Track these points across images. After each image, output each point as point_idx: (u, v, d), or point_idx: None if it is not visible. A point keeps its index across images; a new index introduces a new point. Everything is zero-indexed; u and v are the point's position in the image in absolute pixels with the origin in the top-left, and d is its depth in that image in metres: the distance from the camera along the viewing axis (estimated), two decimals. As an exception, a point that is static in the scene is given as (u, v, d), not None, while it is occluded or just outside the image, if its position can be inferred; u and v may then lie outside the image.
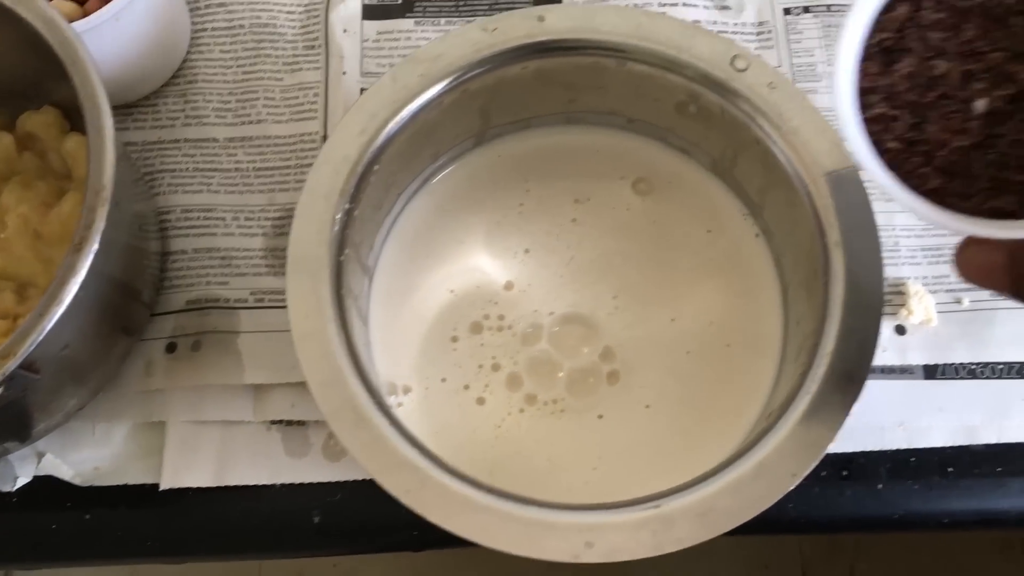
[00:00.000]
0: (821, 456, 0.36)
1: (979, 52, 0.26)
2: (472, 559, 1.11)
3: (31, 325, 0.37)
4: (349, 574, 1.13)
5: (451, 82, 0.42)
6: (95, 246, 0.37)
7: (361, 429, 0.37)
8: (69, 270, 0.37)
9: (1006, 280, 0.26)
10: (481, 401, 0.44)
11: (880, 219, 0.47)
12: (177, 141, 0.51)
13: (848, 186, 0.40)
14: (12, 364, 0.36)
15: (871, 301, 0.38)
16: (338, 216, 0.40)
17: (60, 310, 0.37)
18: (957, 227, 0.27)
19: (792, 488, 0.36)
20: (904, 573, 1.11)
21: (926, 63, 0.27)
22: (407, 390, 0.44)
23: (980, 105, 0.26)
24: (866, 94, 0.28)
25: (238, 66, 0.52)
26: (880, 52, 0.27)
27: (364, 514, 0.45)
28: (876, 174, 0.27)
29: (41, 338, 0.37)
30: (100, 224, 0.38)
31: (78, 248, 0.37)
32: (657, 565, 1.11)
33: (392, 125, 0.41)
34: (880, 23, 0.27)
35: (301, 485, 0.45)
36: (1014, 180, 0.26)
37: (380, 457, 0.37)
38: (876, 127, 0.27)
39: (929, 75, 0.27)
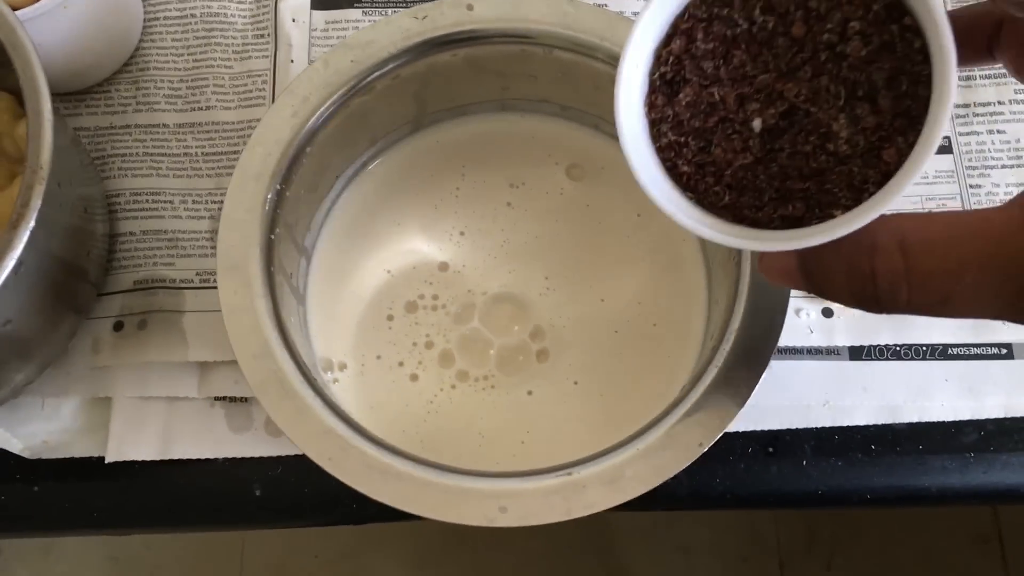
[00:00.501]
0: (726, 427, 0.38)
1: (749, 76, 0.28)
2: (456, 557, 1.12)
3: (-31, 300, 0.38)
4: (330, 564, 1.14)
5: (382, 68, 0.43)
6: (31, 224, 0.39)
7: (287, 400, 0.38)
8: (5, 246, 0.39)
9: (800, 278, 0.28)
10: (415, 377, 0.46)
11: (810, 204, 0.49)
12: (128, 127, 0.52)
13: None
14: (-50, 337, 0.38)
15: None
16: (269, 196, 0.41)
17: (-4, 285, 0.38)
18: (739, 243, 0.28)
19: (697, 457, 0.38)
20: (881, 566, 1.13)
21: (704, 91, 0.28)
22: (343, 367, 0.46)
23: (757, 124, 0.28)
24: (656, 124, 0.29)
25: (189, 54, 0.53)
26: (663, 84, 0.29)
27: (304, 488, 0.46)
28: (665, 199, 0.29)
29: (-22, 312, 0.38)
30: (36, 203, 0.39)
31: (14, 225, 0.39)
32: (637, 557, 1.13)
33: (324, 108, 0.43)
34: (659, 56, 0.29)
35: (243, 459, 0.47)
36: (797, 188, 0.27)
37: (304, 426, 0.38)
38: (669, 154, 0.29)
39: (708, 102, 0.28)
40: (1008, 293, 0.24)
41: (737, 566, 1.14)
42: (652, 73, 0.29)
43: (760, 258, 0.30)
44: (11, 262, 0.39)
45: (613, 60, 0.43)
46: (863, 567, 1.13)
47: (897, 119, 0.26)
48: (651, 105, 0.29)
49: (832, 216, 0.27)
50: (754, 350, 0.39)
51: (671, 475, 0.37)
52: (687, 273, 0.47)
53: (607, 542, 1.13)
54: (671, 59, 0.29)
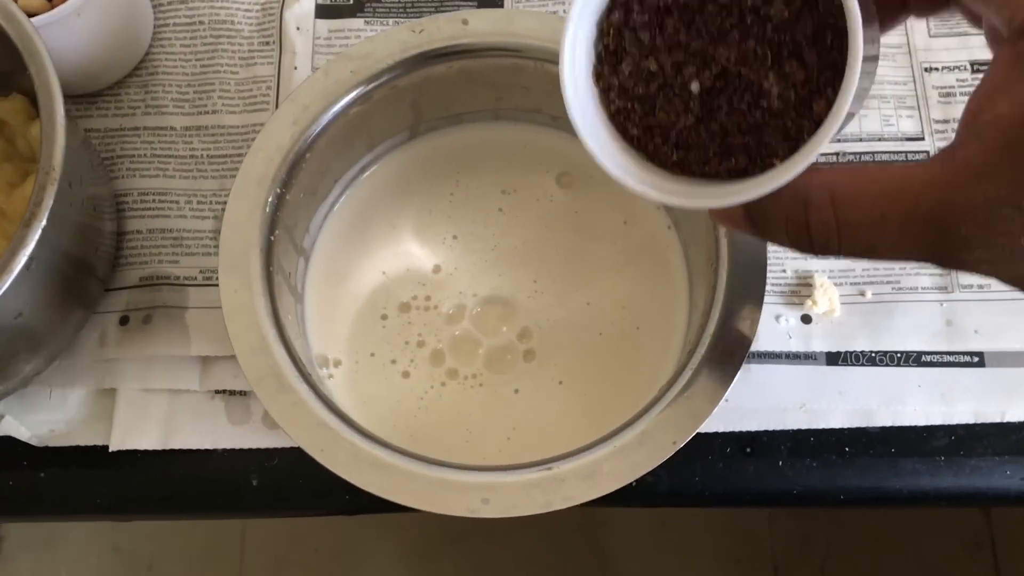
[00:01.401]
0: (699, 427, 0.40)
1: (683, 43, 0.30)
2: (454, 552, 1.14)
3: (-19, 292, 0.40)
4: (330, 558, 1.16)
5: (380, 78, 0.45)
6: (43, 222, 0.41)
7: (283, 394, 0.40)
8: (19, 242, 0.41)
9: (746, 224, 0.30)
10: (406, 375, 0.47)
11: (791, 214, 0.50)
12: (137, 129, 0.54)
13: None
14: (-36, 327, 0.40)
15: (754, 288, 0.42)
16: (270, 199, 0.43)
17: (9, 279, 0.40)
18: (682, 203, 0.31)
19: (671, 455, 0.39)
20: (874, 571, 1.14)
21: (643, 61, 0.31)
22: (337, 363, 0.48)
23: (695, 87, 0.30)
24: (606, 92, 0.32)
25: (196, 59, 0.56)
26: (608, 55, 0.31)
27: (299, 479, 0.48)
28: (613, 164, 0.31)
29: (-8, 305, 0.40)
30: (48, 202, 0.41)
31: (27, 223, 0.41)
32: (633, 557, 1.14)
33: (324, 116, 0.45)
34: (602, 28, 0.32)
35: (241, 450, 0.48)
36: (737, 143, 0.30)
37: (298, 419, 0.40)
38: (620, 119, 0.32)
39: (648, 70, 0.31)
40: (925, 244, 0.27)
41: (731, 568, 1.16)
42: (596, 45, 0.32)
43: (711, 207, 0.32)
44: (23, 258, 0.41)
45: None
46: (856, 571, 1.14)
47: (824, 72, 0.28)
48: (599, 75, 0.32)
49: (772, 166, 0.29)
50: (729, 353, 0.41)
51: (645, 471, 0.39)
52: (670, 278, 0.48)
53: (603, 542, 1.14)
54: (611, 31, 0.31)
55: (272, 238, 0.43)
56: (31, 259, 0.41)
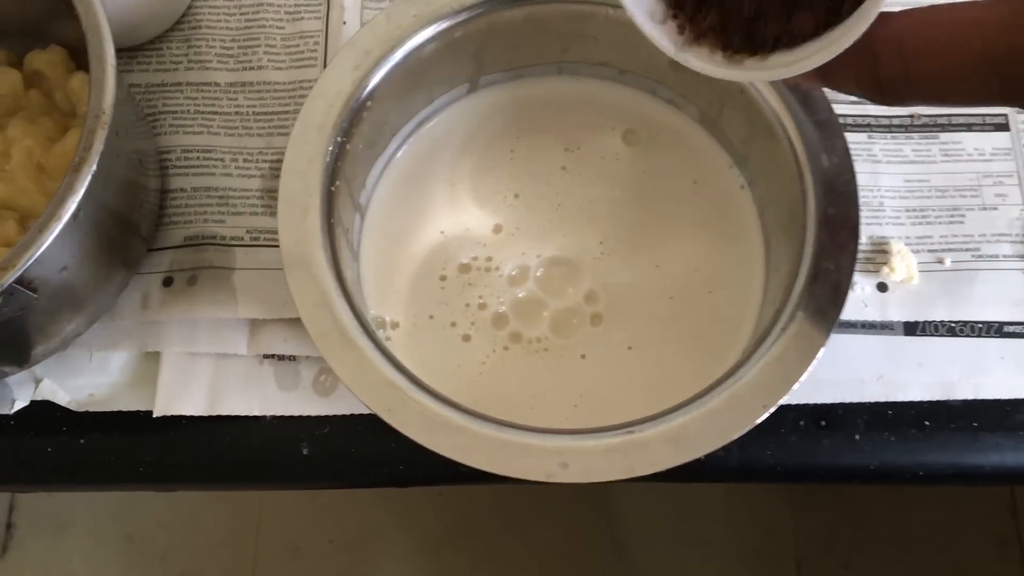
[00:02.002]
0: (790, 390, 0.37)
1: None
2: (470, 545, 1.12)
3: (30, 240, 0.38)
4: (345, 549, 1.14)
5: (444, 24, 0.43)
6: (93, 167, 0.39)
7: (347, 350, 0.38)
8: (67, 189, 0.38)
9: (816, 78, 0.29)
10: (467, 338, 0.45)
11: (865, 179, 0.48)
12: (179, 84, 0.52)
13: (828, 134, 0.41)
14: (10, 277, 0.37)
15: (846, 243, 0.39)
16: (330, 148, 0.41)
17: (58, 227, 0.38)
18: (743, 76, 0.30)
19: (762, 419, 0.37)
20: (898, 568, 1.12)
21: None
22: (395, 325, 0.45)
23: None
24: None
25: (241, 13, 0.53)
26: None
27: (351, 448, 0.46)
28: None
29: (40, 252, 0.38)
30: (99, 146, 0.39)
31: (76, 168, 0.39)
32: (652, 549, 1.12)
33: (386, 63, 0.42)
34: None
35: (291, 417, 0.46)
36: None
37: (365, 377, 0.38)
38: None
39: None
40: (997, 87, 0.26)
41: (753, 562, 1.14)
42: None
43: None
44: (72, 205, 0.38)
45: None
46: (880, 567, 1.12)
47: None
48: None
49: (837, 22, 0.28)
50: (819, 312, 0.38)
51: (736, 436, 0.37)
52: (744, 240, 0.46)
53: (621, 534, 1.12)
54: None
55: (332, 189, 0.41)
56: (79, 209, 0.39)
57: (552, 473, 0.36)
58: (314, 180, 0.40)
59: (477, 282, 0.46)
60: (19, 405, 0.46)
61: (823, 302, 0.39)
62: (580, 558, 1.12)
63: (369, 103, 0.42)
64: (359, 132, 0.42)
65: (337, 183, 0.41)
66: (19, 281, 0.38)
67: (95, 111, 0.40)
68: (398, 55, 0.42)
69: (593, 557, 1.12)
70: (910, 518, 1.13)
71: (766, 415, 0.37)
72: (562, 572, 1.12)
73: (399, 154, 0.47)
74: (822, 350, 0.38)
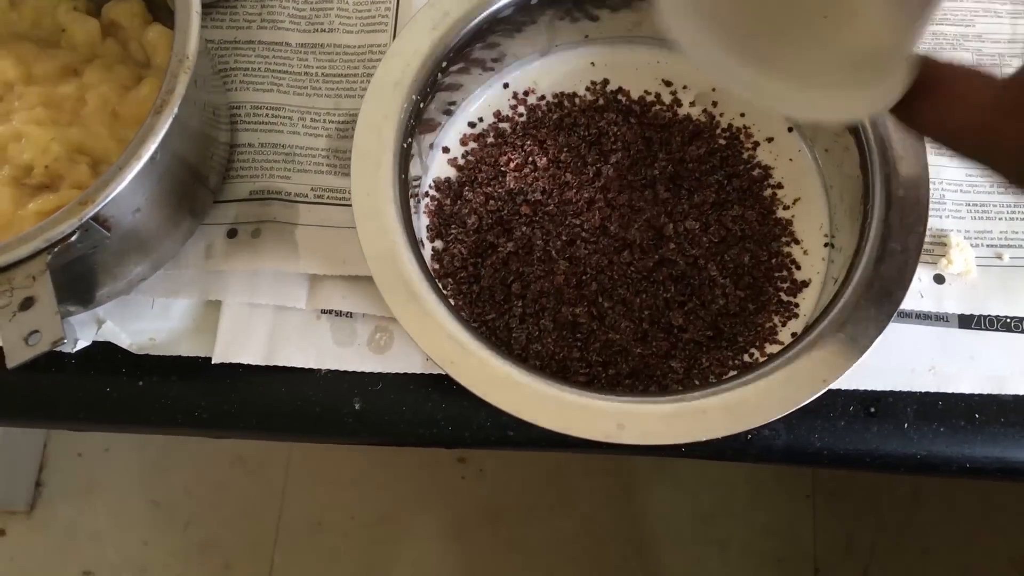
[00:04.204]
0: (850, 367, 0.38)
1: None
2: (491, 522, 1.12)
3: (110, 176, 0.39)
4: (367, 526, 1.15)
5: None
6: (175, 110, 0.40)
7: (413, 303, 0.39)
8: (148, 131, 0.39)
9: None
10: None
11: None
12: (252, 42, 0.53)
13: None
14: (89, 211, 0.38)
15: (913, 225, 0.39)
16: (405, 105, 0.42)
17: (138, 166, 0.39)
18: None
19: (821, 392, 0.37)
20: (917, 581, 1.11)
21: None
22: (454, 287, 0.46)
23: None
24: None
25: (316, -25, 0.54)
26: None
27: (402, 406, 0.46)
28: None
29: (118, 191, 0.39)
30: (181, 90, 0.40)
31: (158, 110, 0.39)
32: (671, 547, 1.12)
33: (464, 24, 0.43)
34: None
35: (345, 373, 0.47)
36: None
37: (429, 329, 0.38)
38: None
39: None
40: None
41: (772, 566, 1.13)
42: None
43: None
44: (153, 146, 0.39)
45: None
46: (900, 577, 1.12)
47: None
48: None
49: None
50: (883, 291, 0.39)
51: (794, 408, 0.37)
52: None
53: (641, 530, 1.13)
54: None
55: (405, 145, 0.41)
56: (156, 152, 0.40)
57: (610, 433, 0.37)
58: (388, 135, 0.41)
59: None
60: (81, 344, 0.47)
61: (888, 281, 0.39)
62: (599, 552, 1.13)
63: (444, 63, 0.43)
64: (433, 92, 0.43)
65: (410, 140, 0.42)
66: (95, 218, 0.39)
67: (179, 55, 0.41)
68: (477, 18, 0.43)
69: (612, 552, 1.12)
70: (933, 532, 1.12)
71: (824, 390, 0.37)
72: (581, 565, 1.12)
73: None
74: (884, 331, 0.38)
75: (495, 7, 0.43)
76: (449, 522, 1.15)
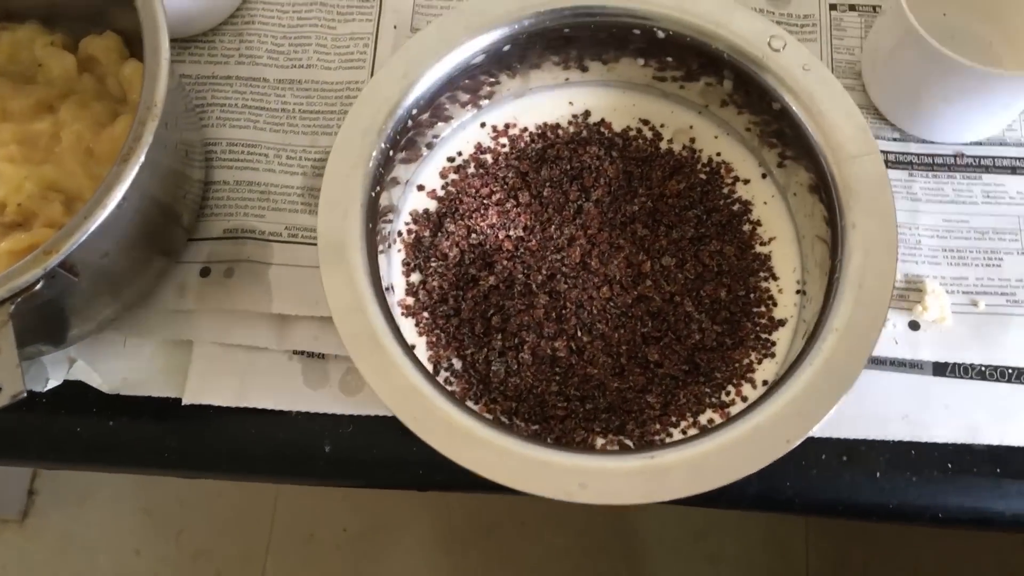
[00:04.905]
0: (816, 425, 0.37)
1: None
2: (482, 537, 1.12)
3: (75, 226, 0.39)
4: (359, 538, 1.15)
5: (494, 38, 0.43)
6: (141, 158, 0.39)
7: (377, 356, 0.39)
8: (115, 178, 0.39)
9: None
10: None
11: (903, 217, 0.48)
12: (229, 78, 0.53)
13: (870, 171, 0.41)
14: (54, 261, 0.38)
15: (881, 283, 0.39)
16: (374, 153, 0.41)
17: (104, 214, 0.39)
18: None
19: (785, 453, 0.37)
20: (910, 598, 1.11)
21: None
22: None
23: None
24: None
25: (294, 11, 0.54)
26: None
27: (373, 449, 0.46)
28: None
29: (83, 239, 0.38)
30: (148, 138, 0.40)
31: (125, 159, 0.39)
32: (663, 563, 1.11)
33: (434, 73, 0.43)
34: None
35: (316, 415, 0.47)
36: None
37: (392, 383, 0.38)
38: None
39: None
40: None
41: (765, 584, 1.13)
42: None
43: None
44: (119, 194, 0.39)
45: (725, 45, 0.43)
46: (891, 598, 1.11)
47: None
48: None
49: None
50: (849, 352, 0.38)
51: (756, 469, 0.37)
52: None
53: (633, 546, 1.12)
54: None
55: (373, 194, 0.41)
56: (124, 198, 0.40)
57: (571, 492, 0.36)
58: (356, 185, 0.41)
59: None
60: (52, 384, 0.47)
61: (854, 341, 0.38)
62: (591, 567, 1.12)
63: (415, 111, 0.43)
64: (403, 139, 0.43)
65: (378, 189, 0.42)
66: (62, 265, 0.39)
67: (146, 103, 0.41)
68: (447, 67, 0.43)
69: (604, 568, 1.12)
70: (926, 550, 1.11)
71: (788, 450, 0.37)
72: (573, 580, 1.12)
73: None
74: (850, 389, 0.38)
75: (468, 55, 0.43)
76: (441, 535, 1.15)
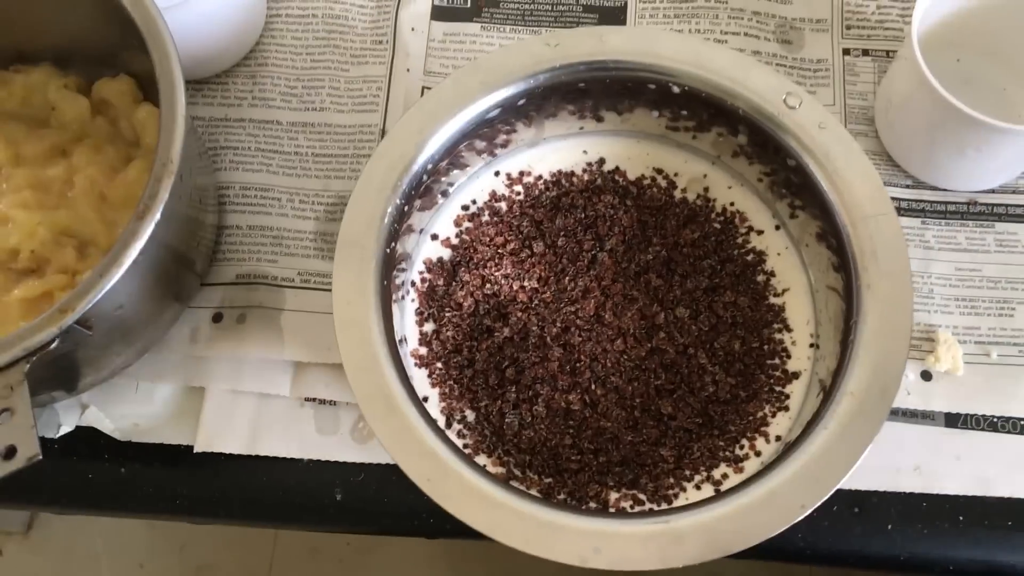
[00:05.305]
0: (831, 492, 0.37)
1: None
2: (485, 552, 1.12)
3: (91, 284, 0.39)
4: (363, 552, 1.15)
5: (510, 92, 0.43)
6: (157, 216, 0.39)
7: (391, 416, 0.39)
8: (131, 235, 0.39)
9: None
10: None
11: (916, 265, 0.48)
12: (242, 120, 0.53)
13: (886, 232, 0.41)
14: (69, 319, 0.38)
15: (897, 345, 0.39)
16: (389, 210, 0.41)
17: (119, 272, 0.39)
18: None
19: (799, 519, 0.37)
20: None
21: None
22: (437, 383, 0.46)
23: None
24: None
25: (307, 54, 0.54)
26: None
27: (384, 497, 0.46)
28: None
29: (99, 297, 0.38)
30: (164, 195, 0.40)
31: (141, 216, 0.39)
32: (663, 578, 1.09)
33: (450, 129, 0.43)
34: None
35: (327, 462, 0.47)
36: None
37: (406, 444, 0.38)
38: None
39: None
40: None
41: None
42: None
43: None
44: (134, 252, 0.39)
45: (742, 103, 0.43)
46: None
47: None
48: None
49: None
50: (866, 413, 0.38)
51: (770, 536, 0.37)
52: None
53: None
54: None
55: (388, 251, 0.41)
56: (140, 254, 0.40)
57: (585, 558, 0.37)
58: (371, 240, 0.41)
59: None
60: (64, 430, 0.47)
61: (870, 403, 0.39)
62: (591, 581, 1.12)
63: (430, 166, 0.43)
64: (419, 194, 0.43)
65: (394, 244, 0.42)
66: (77, 322, 0.39)
67: (163, 159, 0.41)
68: (463, 123, 0.43)
69: (605, 582, 1.12)
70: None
71: (803, 515, 0.37)
72: (576, 596, 1.12)
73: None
74: (865, 452, 0.38)
75: (483, 109, 0.43)
76: (444, 550, 1.15)
